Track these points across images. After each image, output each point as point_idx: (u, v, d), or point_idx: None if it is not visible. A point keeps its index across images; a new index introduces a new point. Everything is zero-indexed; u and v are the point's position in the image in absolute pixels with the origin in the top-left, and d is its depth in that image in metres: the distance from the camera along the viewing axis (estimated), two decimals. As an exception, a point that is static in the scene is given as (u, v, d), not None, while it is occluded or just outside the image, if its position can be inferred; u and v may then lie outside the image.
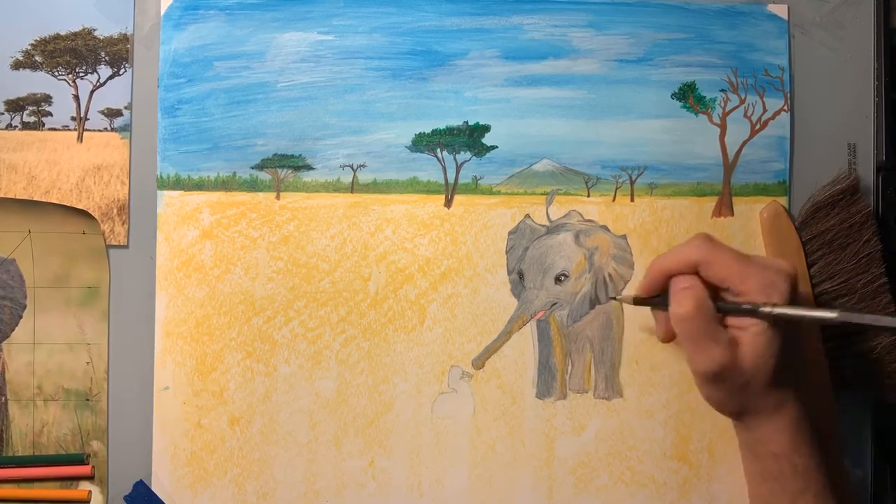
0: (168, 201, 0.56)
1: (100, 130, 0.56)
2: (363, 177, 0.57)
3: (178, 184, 0.56)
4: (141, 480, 0.55)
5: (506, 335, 0.57)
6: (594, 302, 0.57)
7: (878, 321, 0.45)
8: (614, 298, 0.56)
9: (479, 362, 0.57)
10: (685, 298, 0.47)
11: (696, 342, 0.47)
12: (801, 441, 0.48)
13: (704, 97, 0.58)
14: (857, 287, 0.56)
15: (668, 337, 0.50)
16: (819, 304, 0.56)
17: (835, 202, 0.57)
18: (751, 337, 0.46)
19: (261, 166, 0.56)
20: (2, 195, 0.55)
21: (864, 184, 0.58)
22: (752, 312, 0.46)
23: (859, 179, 0.58)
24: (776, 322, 0.46)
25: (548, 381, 0.57)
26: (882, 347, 0.56)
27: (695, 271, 0.48)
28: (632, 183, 0.58)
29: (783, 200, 0.58)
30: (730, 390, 0.48)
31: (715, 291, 0.48)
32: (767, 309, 0.45)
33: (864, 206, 0.57)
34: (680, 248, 0.49)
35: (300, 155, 0.56)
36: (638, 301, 0.51)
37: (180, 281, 0.56)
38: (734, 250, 0.48)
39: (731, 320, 0.48)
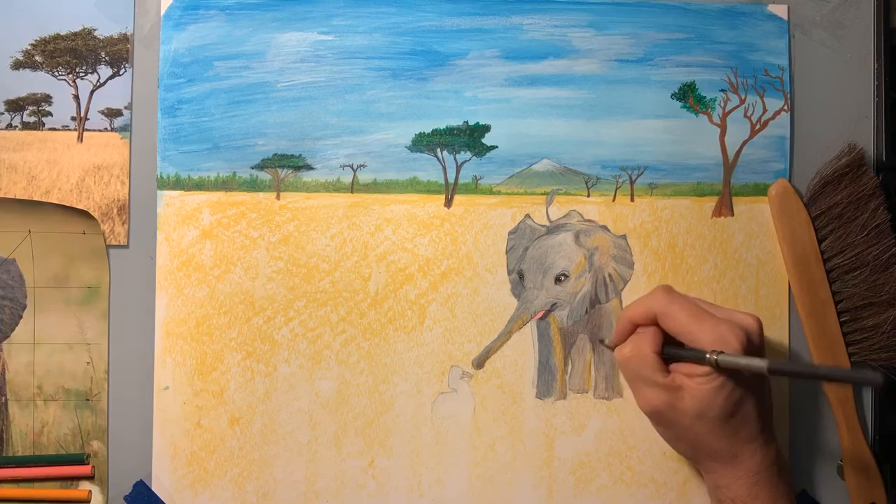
0: (168, 201, 0.56)
1: (100, 130, 0.56)
2: (363, 177, 0.57)
3: (178, 184, 0.56)
4: (141, 480, 0.55)
5: (506, 335, 0.57)
6: (594, 302, 0.57)
7: (812, 370, 0.46)
8: (602, 342, 0.57)
9: (479, 362, 0.57)
10: (626, 345, 0.51)
11: (633, 384, 0.51)
12: (760, 489, 0.49)
13: (704, 97, 0.58)
14: (868, 259, 0.56)
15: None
16: (831, 281, 0.56)
17: (842, 176, 0.57)
18: (695, 384, 0.48)
19: (261, 166, 0.56)
20: (2, 195, 0.55)
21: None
22: (697, 359, 0.48)
23: (864, 152, 0.57)
24: (732, 374, 0.48)
25: (548, 381, 0.57)
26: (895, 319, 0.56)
27: (655, 322, 0.50)
28: (632, 183, 0.58)
29: (783, 200, 0.58)
30: (676, 432, 0.51)
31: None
32: (710, 356, 0.47)
33: (871, 177, 0.57)
34: (642, 299, 0.52)
35: (300, 155, 0.56)
36: (611, 348, 0.54)
37: (180, 281, 0.56)
38: (692, 304, 0.50)
39: (681, 367, 0.49)
